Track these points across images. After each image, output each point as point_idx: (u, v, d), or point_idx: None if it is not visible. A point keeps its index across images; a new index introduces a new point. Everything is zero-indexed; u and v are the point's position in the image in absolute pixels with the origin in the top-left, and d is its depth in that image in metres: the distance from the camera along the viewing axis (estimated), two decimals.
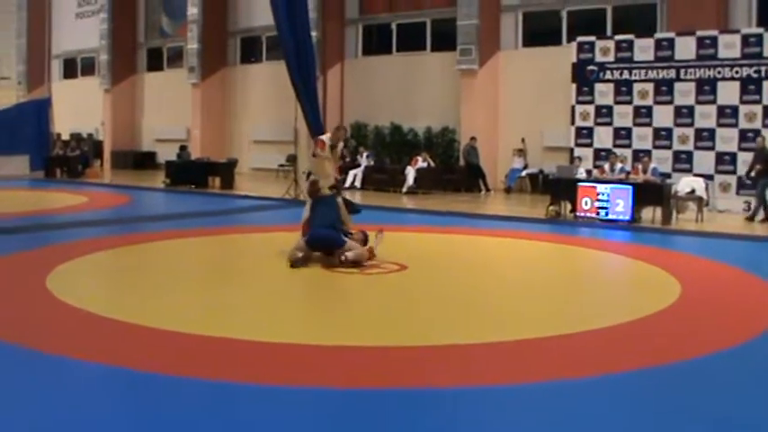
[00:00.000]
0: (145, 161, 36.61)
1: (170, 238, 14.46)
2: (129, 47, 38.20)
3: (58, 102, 35.72)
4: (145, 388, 6.12)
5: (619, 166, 18.81)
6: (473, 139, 24.85)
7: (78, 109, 39.10)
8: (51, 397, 5.87)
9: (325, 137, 13.49)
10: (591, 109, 22.78)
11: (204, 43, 33.55)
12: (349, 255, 11.37)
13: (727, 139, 20.50)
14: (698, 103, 20.95)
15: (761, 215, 17.76)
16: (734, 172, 20.26)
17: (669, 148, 21.39)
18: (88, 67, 40.87)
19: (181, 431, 5.27)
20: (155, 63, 38.17)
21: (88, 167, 31.81)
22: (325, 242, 11.64)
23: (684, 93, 21.17)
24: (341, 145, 13.67)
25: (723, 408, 5.87)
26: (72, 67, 42.18)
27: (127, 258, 12.59)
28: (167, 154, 31.31)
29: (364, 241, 11.94)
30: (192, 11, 33.63)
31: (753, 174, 18.39)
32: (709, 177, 19.52)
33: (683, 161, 20.81)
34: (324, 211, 12.00)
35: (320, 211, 12.05)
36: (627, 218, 17.02)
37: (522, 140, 25.20)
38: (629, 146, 21.95)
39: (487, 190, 24.62)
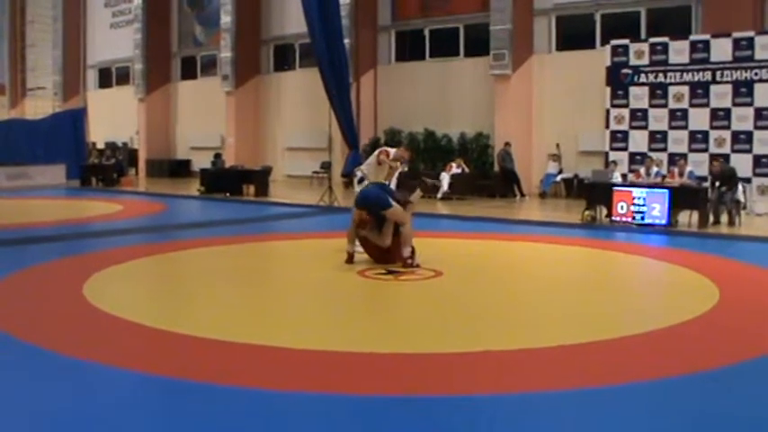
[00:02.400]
0: (179, 169, 36.84)
1: (205, 245, 14.50)
2: (163, 56, 38.46)
3: (93, 111, 36.02)
4: (180, 396, 6.11)
5: (654, 169, 18.64)
6: (507, 144, 24.76)
7: (113, 118, 39.42)
8: (85, 404, 5.89)
9: (392, 150, 13.62)
10: (626, 112, 22.65)
11: (237, 51, 33.71)
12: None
13: (765, 142, 20.32)
14: (735, 105, 20.78)
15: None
16: None
17: (706, 151, 21.20)
18: (123, 77, 41.21)
19: None
20: (188, 72, 38.41)
21: (123, 176, 32.02)
22: (372, 202, 11.96)
23: (721, 95, 21.00)
24: (398, 164, 13.72)
25: (765, 415, 5.78)
26: (107, 77, 42.56)
27: (162, 266, 12.64)
28: (202, 162, 31.50)
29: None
30: (225, 19, 33.82)
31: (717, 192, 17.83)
32: (746, 180, 19.30)
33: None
34: (382, 186, 12.44)
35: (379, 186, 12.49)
36: (663, 222, 16.86)
37: (557, 145, 25.08)
38: (664, 149, 21.80)
39: (522, 195, 24.51)
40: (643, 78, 22.33)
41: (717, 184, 17.71)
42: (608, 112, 22.99)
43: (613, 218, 17.56)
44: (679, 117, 21.73)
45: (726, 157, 20.36)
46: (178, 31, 38.58)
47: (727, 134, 20.88)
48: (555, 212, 20.92)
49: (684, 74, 21.59)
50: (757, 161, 20.33)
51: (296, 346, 7.37)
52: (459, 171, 24.72)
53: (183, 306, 9.48)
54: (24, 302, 9.49)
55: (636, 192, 17.34)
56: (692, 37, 21.94)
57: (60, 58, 42.62)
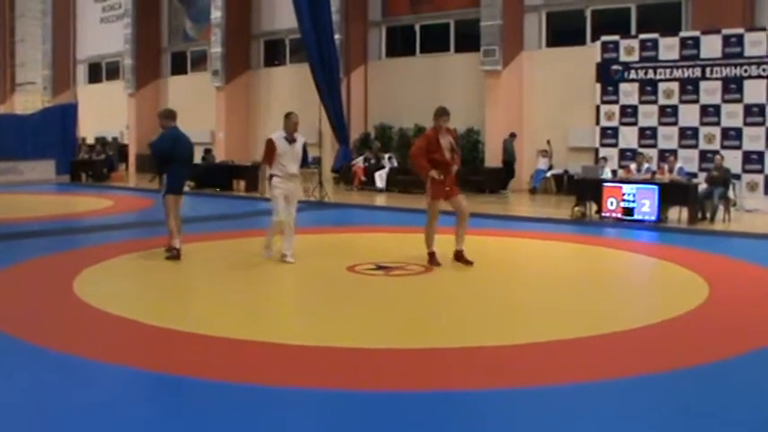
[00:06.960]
0: None
1: (195, 241, 14.48)
2: (153, 51, 38.37)
3: (82, 106, 35.91)
4: (170, 392, 6.12)
5: (645, 165, 18.67)
6: (513, 135, 24.95)
7: (103, 113, 39.31)
8: (73, 399, 5.88)
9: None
10: (616, 109, 22.69)
11: (228, 47, 33.66)
12: None
13: (754, 138, 20.37)
14: (724, 101, 20.82)
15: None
16: (761, 171, 20.14)
17: (695, 147, 21.26)
18: (113, 72, 41.11)
19: None
20: (179, 67, 38.33)
21: (113, 171, 31.96)
22: None
23: (710, 91, 21.05)
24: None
25: (754, 410, 5.80)
26: (97, 72, 42.45)
27: (153, 262, 12.61)
28: None
29: None
30: (216, 14, 33.75)
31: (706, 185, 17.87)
32: (736, 177, 19.34)
33: (710, 160, 20.57)
34: None
35: None
36: (653, 218, 16.90)
37: (548, 141, 25.11)
38: (654, 146, 21.85)
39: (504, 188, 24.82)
40: (633, 75, 22.36)
41: (711, 179, 17.72)
42: (598, 108, 23.02)
43: (603, 214, 17.59)
44: (669, 113, 21.76)
45: (715, 154, 20.42)
46: (168, 27, 38.49)
47: (716, 131, 20.93)
48: (545, 208, 20.94)
49: (674, 70, 21.63)
50: (747, 157, 20.39)
51: (287, 342, 7.37)
52: None
53: (174, 302, 9.47)
54: (14, 298, 9.47)
55: (626, 188, 17.37)
56: (682, 33, 21.99)
57: (50, 53, 42.53)
